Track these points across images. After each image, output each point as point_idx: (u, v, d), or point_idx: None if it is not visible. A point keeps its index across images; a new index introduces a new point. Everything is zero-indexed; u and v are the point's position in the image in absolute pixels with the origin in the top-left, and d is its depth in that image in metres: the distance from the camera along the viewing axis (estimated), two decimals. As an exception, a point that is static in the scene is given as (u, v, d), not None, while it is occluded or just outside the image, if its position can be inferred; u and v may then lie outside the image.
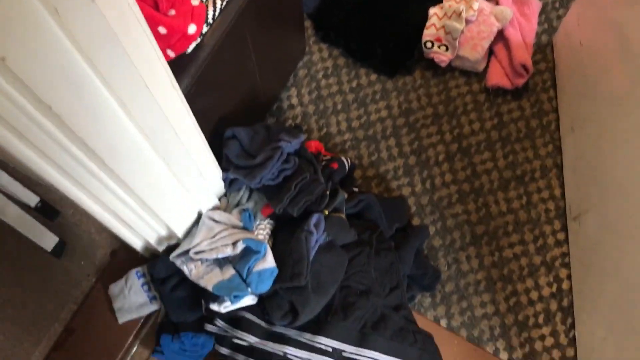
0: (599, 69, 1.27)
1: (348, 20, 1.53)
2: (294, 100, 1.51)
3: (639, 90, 1.08)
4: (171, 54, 0.92)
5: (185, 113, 0.85)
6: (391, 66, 1.52)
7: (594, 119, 1.28)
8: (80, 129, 0.64)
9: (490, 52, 1.53)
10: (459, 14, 1.43)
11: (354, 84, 1.53)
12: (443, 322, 1.30)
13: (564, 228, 1.36)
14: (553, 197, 1.40)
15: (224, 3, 1.00)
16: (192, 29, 0.92)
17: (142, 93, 0.68)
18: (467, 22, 1.47)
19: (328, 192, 1.16)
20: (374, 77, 1.54)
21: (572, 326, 1.29)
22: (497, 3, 1.53)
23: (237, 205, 1.18)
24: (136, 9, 0.61)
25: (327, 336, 1.05)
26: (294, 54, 1.52)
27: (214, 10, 0.99)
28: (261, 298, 1.07)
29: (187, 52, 0.95)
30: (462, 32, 1.45)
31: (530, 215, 1.38)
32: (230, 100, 1.23)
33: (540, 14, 1.58)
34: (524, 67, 1.44)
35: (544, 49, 1.55)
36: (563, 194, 1.39)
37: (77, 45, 0.55)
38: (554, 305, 1.31)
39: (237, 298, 1.02)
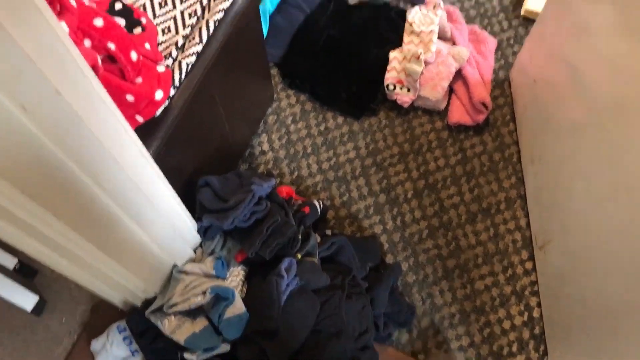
0: (554, 101, 1.35)
1: (312, 67, 1.60)
2: (265, 146, 1.56)
3: (592, 120, 1.14)
4: (140, 119, 0.97)
5: (156, 177, 0.89)
6: (356, 109, 1.59)
7: (552, 150, 1.35)
8: (52, 204, 0.68)
9: (451, 90, 1.60)
10: (418, 57, 1.50)
11: (322, 127, 1.59)
12: (421, 357, 1.34)
13: (531, 257, 1.42)
14: (519, 227, 1.46)
15: (190, 66, 1.05)
16: (159, 94, 0.97)
17: (111, 166, 0.73)
18: (426, 63, 1.54)
19: (300, 236, 1.20)
20: (340, 119, 1.60)
21: (545, 353, 1.34)
22: (454, 43, 1.61)
23: (211, 253, 1.22)
24: (101, 91, 0.66)
25: (300, 380, 1.08)
26: (263, 101, 1.58)
27: (180, 74, 1.04)
28: (234, 344, 1.10)
29: (155, 116, 1.00)
30: (422, 73, 1.53)
31: (499, 247, 1.44)
32: (201, 154, 1.27)
33: (496, 51, 1.67)
34: (484, 104, 1.51)
35: (501, 85, 1.63)
36: (528, 224, 1.45)
37: (46, 134, 0.59)
38: (526, 334, 1.36)
39: (207, 350, 1.05)
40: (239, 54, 1.24)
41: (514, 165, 1.53)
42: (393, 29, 1.62)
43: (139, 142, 0.81)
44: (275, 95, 1.63)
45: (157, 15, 1.09)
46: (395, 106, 1.60)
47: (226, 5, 1.08)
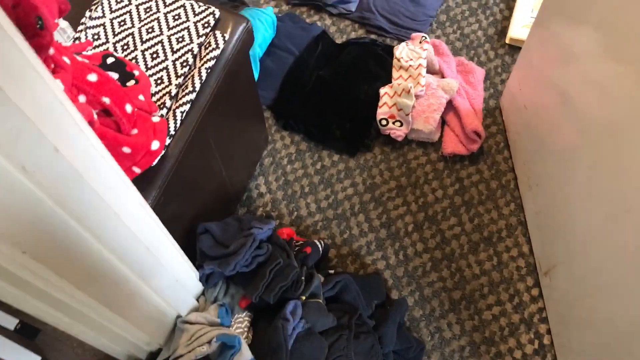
0: (546, 127, 1.36)
1: (305, 108, 1.62)
2: (263, 189, 1.57)
3: (586, 143, 1.15)
4: (137, 170, 0.97)
5: (156, 227, 0.89)
6: (351, 146, 1.60)
7: (548, 175, 1.36)
8: (55, 262, 0.68)
9: (443, 121, 1.62)
10: (408, 91, 1.53)
11: (318, 166, 1.60)
12: (433, 393, 1.31)
13: (537, 284, 1.41)
14: (522, 254, 1.45)
15: (184, 114, 1.06)
16: (155, 145, 0.97)
17: (113, 221, 0.72)
18: (417, 97, 1.56)
19: (303, 278, 1.19)
20: (336, 157, 1.61)
21: (560, 381, 1.32)
22: (442, 76, 1.64)
23: (215, 301, 1.20)
24: (99, 146, 0.67)
25: None
26: (258, 144, 1.59)
27: (175, 123, 1.05)
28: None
29: (152, 165, 1.00)
30: (414, 107, 1.54)
31: (503, 275, 1.43)
32: (200, 200, 1.27)
33: (485, 80, 1.69)
34: (477, 133, 1.53)
35: (493, 113, 1.65)
36: (531, 250, 1.45)
37: (47, 192, 0.59)
38: (538, 362, 1.34)
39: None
40: (232, 99, 1.26)
41: (511, 192, 1.53)
42: (381, 66, 1.65)
43: (138, 194, 0.81)
44: (269, 138, 1.64)
45: (149, 66, 1.11)
46: (389, 140, 1.61)
47: (217, 53, 1.10)
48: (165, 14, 1.16)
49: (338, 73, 1.65)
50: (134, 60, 1.11)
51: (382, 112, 1.57)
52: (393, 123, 1.57)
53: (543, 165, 1.39)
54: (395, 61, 1.63)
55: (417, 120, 1.56)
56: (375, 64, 1.65)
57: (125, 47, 1.13)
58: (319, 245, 1.32)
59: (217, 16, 1.15)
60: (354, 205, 1.54)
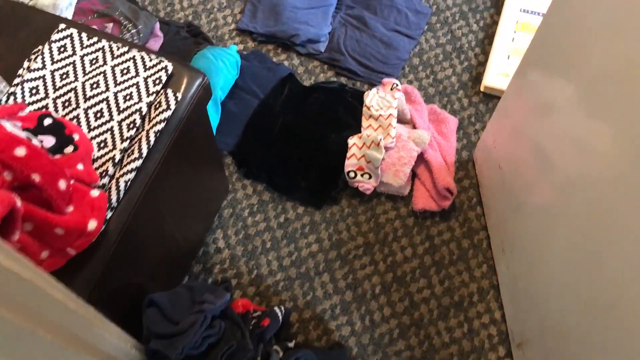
0: (521, 184, 1.30)
1: (269, 156, 1.54)
2: (221, 243, 1.47)
3: (563, 203, 1.09)
4: (72, 252, 0.87)
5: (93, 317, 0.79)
6: (317, 198, 1.52)
7: (523, 239, 1.30)
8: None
9: (414, 174, 1.55)
10: (378, 144, 1.46)
11: (282, 218, 1.51)
12: None
13: (509, 354, 1.35)
14: (494, 321, 1.39)
15: (128, 183, 0.97)
16: (92, 224, 0.88)
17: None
18: (387, 149, 1.50)
19: (259, 359, 1.10)
20: (301, 210, 1.52)
21: None
22: (414, 126, 1.57)
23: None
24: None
25: None
26: (217, 195, 1.49)
27: (118, 193, 0.95)
28: None
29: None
30: (383, 159, 1.48)
31: (474, 344, 1.36)
32: (148, 265, 1.18)
33: (458, 130, 1.63)
34: (448, 190, 1.47)
35: (465, 165, 1.59)
36: (503, 316, 1.39)
37: None
38: None
39: None
40: (186, 157, 1.17)
41: (484, 253, 1.47)
42: (351, 113, 1.58)
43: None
44: (230, 187, 1.55)
45: (92, 127, 1.01)
46: (357, 193, 1.53)
47: (167, 114, 1.01)
48: (113, 68, 1.06)
49: (305, 120, 1.57)
50: (75, 120, 1.02)
51: (350, 163, 1.50)
52: (362, 175, 1.49)
53: (518, 227, 1.33)
54: (365, 109, 1.56)
55: (386, 173, 1.49)
56: (345, 111, 1.58)
57: (66, 103, 1.03)
58: (279, 314, 1.24)
59: (169, 71, 1.06)
60: (319, 264, 1.46)
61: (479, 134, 1.62)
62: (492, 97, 1.67)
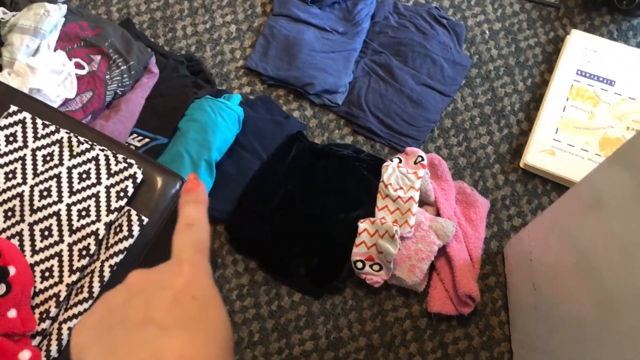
0: (556, 288, 1.11)
1: (265, 231, 1.37)
2: (202, 330, 1.32)
3: (605, 316, 0.91)
4: None
5: None
6: (317, 286, 1.35)
7: (553, 352, 1.11)
8: None
9: (432, 265, 1.37)
10: (393, 236, 1.27)
11: (274, 306, 1.35)
12: None
13: None
14: None
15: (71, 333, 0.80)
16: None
17: None
18: (403, 238, 1.31)
19: None
20: (297, 297, 1.36)
21: None
22: (438, 212, 1.38)
23: None
24: None
25: None
26: (202, 273, 1.33)
27: (60, 343, 0.80)
28: None
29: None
30: (399, 249, 1.30)
31: None
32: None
33: (488, 214, 1.44)
34: (470, 297, 1.28)
35: (493, 259, 1.40)
36: None
37: None
38: None
39: None
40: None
41: (505, 371, 1.30)
42: (364, 189, 1.39)
43: None
44: (219, 261, 1.39)
45: (37, 249, 0.85)
46: (364, 282, 1.36)
47: (128, 244, 0.84)
48: (70, 169, 0.89)
49: (311, 192, 1.39)
50: (16, 238, 0.85)
51: (358, 252, 1.32)
52: (371, 267, 1.32)
53: (547, 339, 1.14)
54: (382, 185, 1.37)
55: (400, 267, 1.31)
56: (357, 186, 1.39)
57: (9, 214, 0.87)
58: None
59: (138, 180, 0.89)
60: (312, 366, 1.30)
61: (512, 221, 1.43)
62: (532, 176, 1.47)
